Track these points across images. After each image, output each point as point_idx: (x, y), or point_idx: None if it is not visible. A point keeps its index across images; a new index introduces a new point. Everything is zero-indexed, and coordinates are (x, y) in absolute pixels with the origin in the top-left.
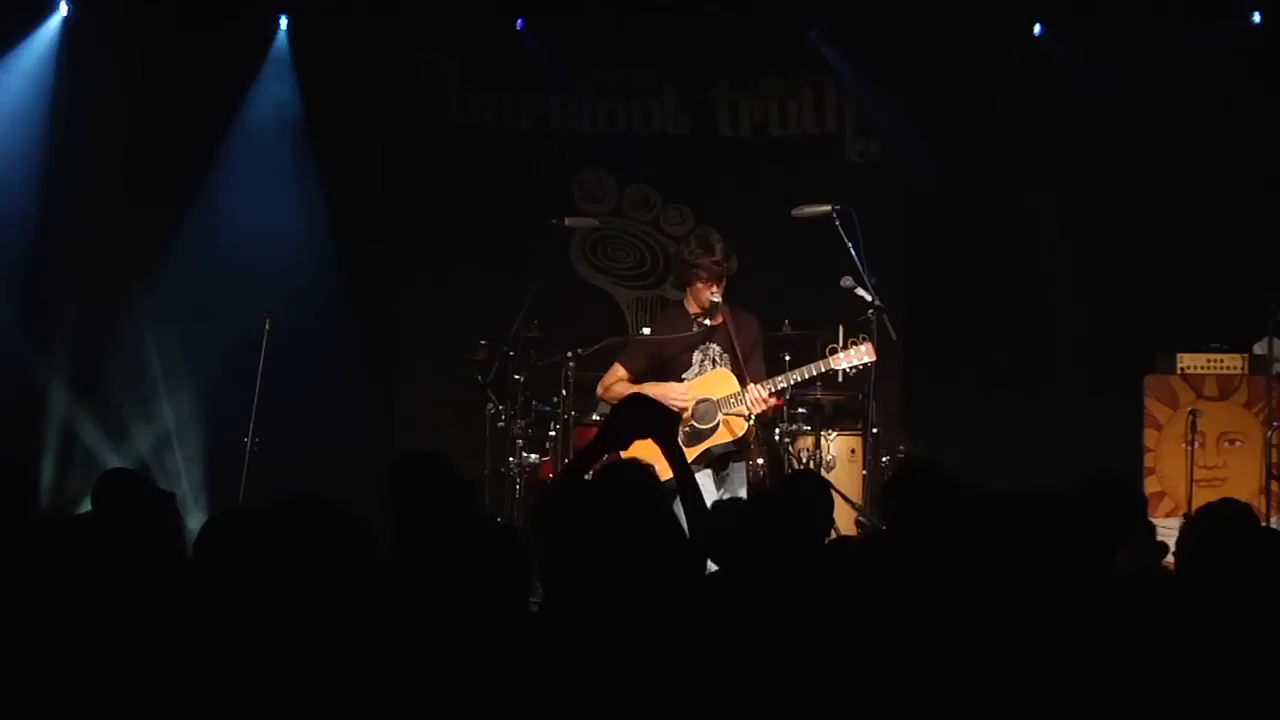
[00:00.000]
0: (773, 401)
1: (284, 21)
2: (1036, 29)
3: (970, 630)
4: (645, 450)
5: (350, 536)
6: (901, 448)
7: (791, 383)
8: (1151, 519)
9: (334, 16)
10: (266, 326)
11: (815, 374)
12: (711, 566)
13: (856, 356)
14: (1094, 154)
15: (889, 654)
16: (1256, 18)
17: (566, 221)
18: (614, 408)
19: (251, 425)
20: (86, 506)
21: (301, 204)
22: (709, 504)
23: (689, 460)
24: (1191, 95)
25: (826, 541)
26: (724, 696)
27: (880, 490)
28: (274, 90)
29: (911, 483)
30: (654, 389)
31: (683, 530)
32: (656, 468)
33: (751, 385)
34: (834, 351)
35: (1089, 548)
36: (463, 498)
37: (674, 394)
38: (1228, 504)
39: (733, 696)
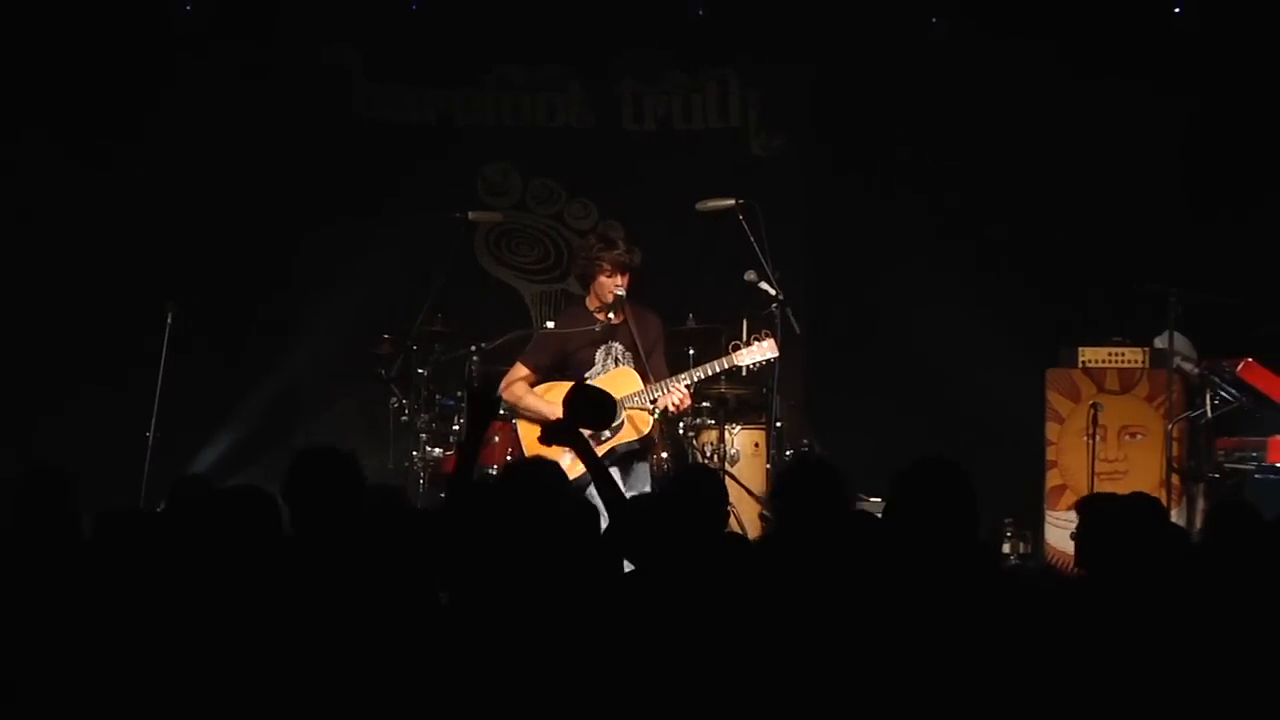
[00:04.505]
0: (688, 399)
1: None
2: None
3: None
4: (549, 448)
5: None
6: (805, 441)
7: (695, 379)
8: (1054, 511)
9: (239, 6)
10: (169, 318)
11: (718, 370)
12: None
13: (759, 352)
14: (995, 144)
15: (782, 648)
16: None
17: (470, 215)
18: (566, 396)
19: (153, 420)
20: None
21: (205, 195)
22: None
23: (594, 449)
24: (1096, 83)
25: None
26: (625, 689)
27: (770, 488)
28: None
29: (800, 479)
30: (544, 405)
31: (598, 526)
32: (563, 464)
33: (670, 381)
34: (737, 348)
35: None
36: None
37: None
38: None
39: (634, 689)
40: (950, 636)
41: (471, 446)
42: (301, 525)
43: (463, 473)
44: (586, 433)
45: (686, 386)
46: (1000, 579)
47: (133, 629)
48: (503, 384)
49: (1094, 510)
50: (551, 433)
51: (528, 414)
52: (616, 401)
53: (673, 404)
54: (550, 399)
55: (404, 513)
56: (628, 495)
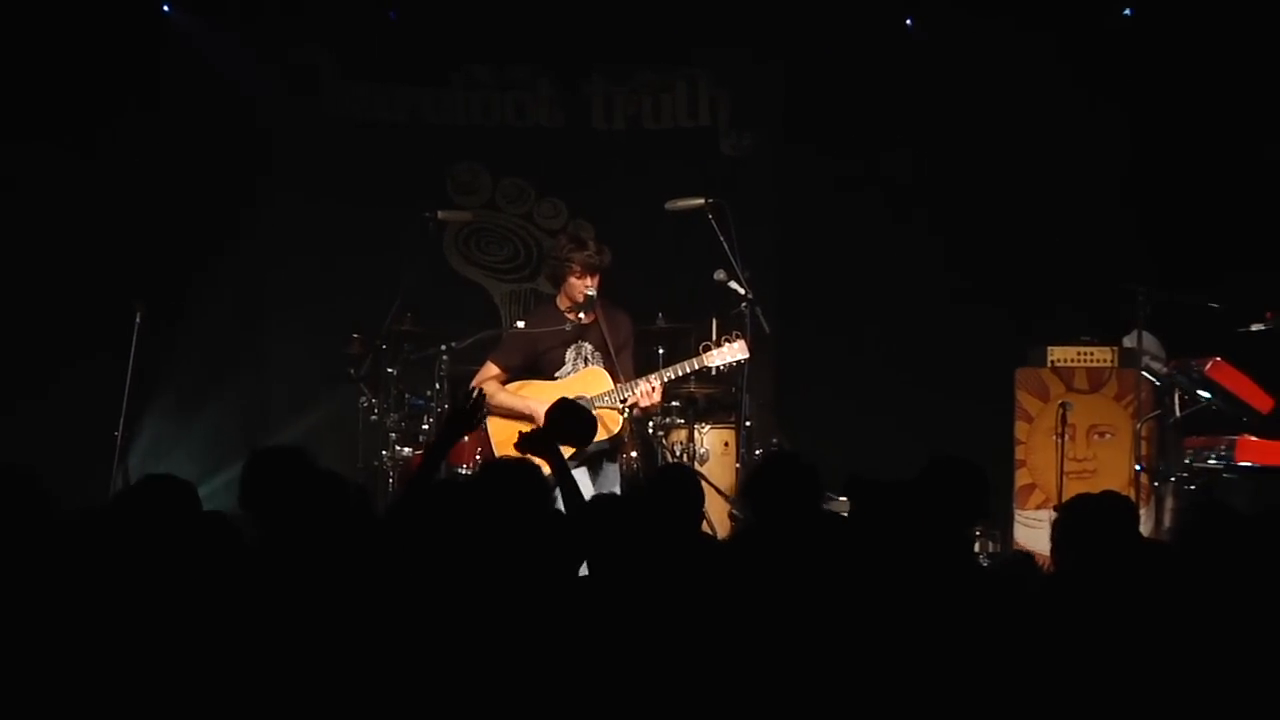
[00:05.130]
0: (660, 395)
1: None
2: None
3: (834, 620)
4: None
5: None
6: (775, 440)
7: (665, 379)
8: (1022, 510)
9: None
10: (138, 318)
11: (689, 371)
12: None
13: (730, 353)
14: (967, 143)
15: (758, 647)
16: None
17: (440, 215)
18: (550, 409)
19: (121, 419)
20: None
21: (174, 192)
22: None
23: (565, 458)
24: (1058, 87)
25: (698, 534)
26: (595, 691)
27: (741, 485)
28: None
29: (773, 476)
30: (518, 400)
31: (564, 529)
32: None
33: (640, 379)
34: (707, 348)
35: (938, 529)
36: (322, 493)
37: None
38: (1106, 497)
39: (605, 691)
40: (931, 633)
41: (439, 452)
42: (263, 526)
43: (426, 476)
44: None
45: (658, 385)
46: (978, 575)
47: (93, 627)
48: (473, 383)
49: (1073, 509)
50: (529, 442)
51: (500, 411)
52: (596, 422)
53: (644, 393)
54: (525, 395)
55: (369, 511)
56: (596, 494)
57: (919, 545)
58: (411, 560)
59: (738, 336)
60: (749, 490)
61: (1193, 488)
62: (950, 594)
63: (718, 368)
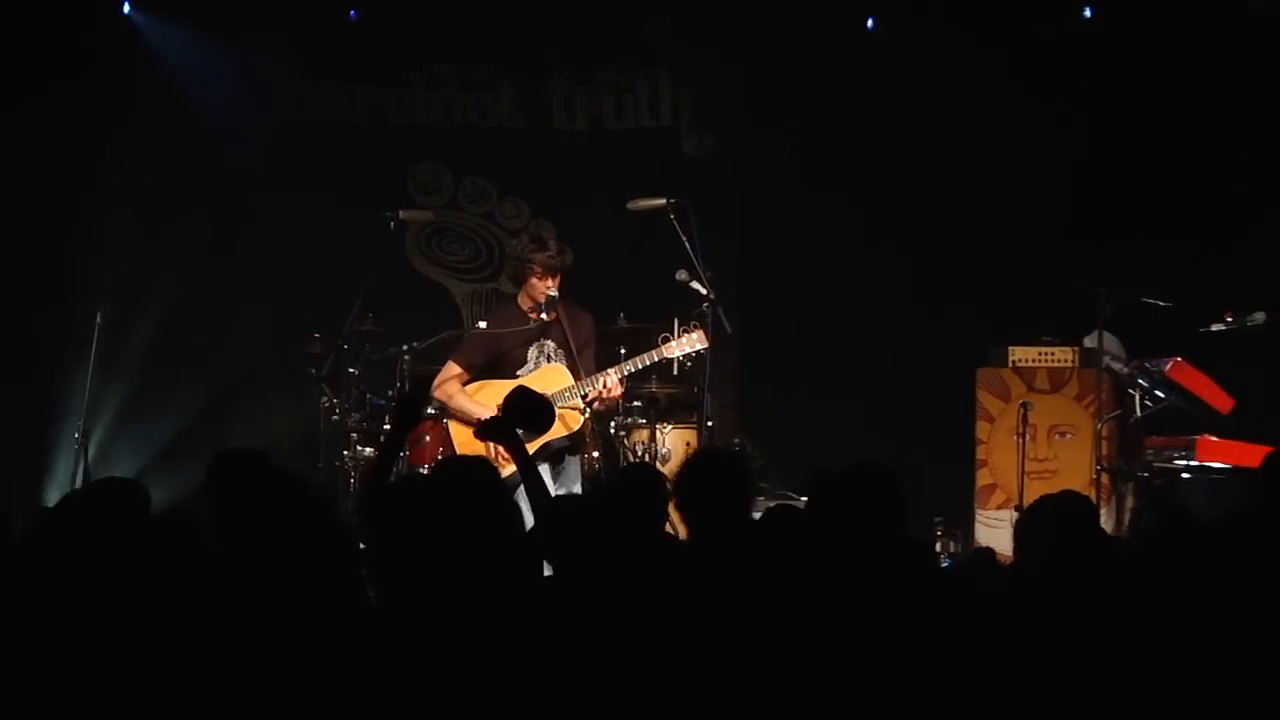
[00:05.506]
0: (620, 390)
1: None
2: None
3: (793, 619)
4: (477, 445)
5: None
6: (737, 440)
7: (626, 373)
8: (984, 510)
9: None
10: (98, 320)
11: (649, 363)
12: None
13: (689, 344)
14: (928, 143)
15: (721, 647)
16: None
17: (402, 215)
18: (506, 397)
19: (82, 420)
20: None
21: (136, 197)
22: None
23: (525, 446)
24: (1018, 86)
25: (661, 535)
26: (556, 692)
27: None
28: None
29: (700, 475)
30: (474, 406)
31: (524, 527)
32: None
33: (601, 374)
34: (666, 340)
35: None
36: (285, 495)
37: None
38: (1067, 496)
39: (564, 692)
40: (885, 633)
41: (392, 447)
42: (225, 528)
43: (382, 471)
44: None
45: (620, 380)
46: (936, 576)
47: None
48: (435, 382)
49: (1035, 509)
50: (486, 429)
51: (458, 415)
52: (554, 409)
53: (605, 386)
54: (481, 399)
55: (330, 511)
56: (557, 493)
57: (878, 543)
58: (373, 559)
59: (696, 326)
60: (677, 490)
61: (1159, 483)
62: (910, 593)
63: (678, 360)
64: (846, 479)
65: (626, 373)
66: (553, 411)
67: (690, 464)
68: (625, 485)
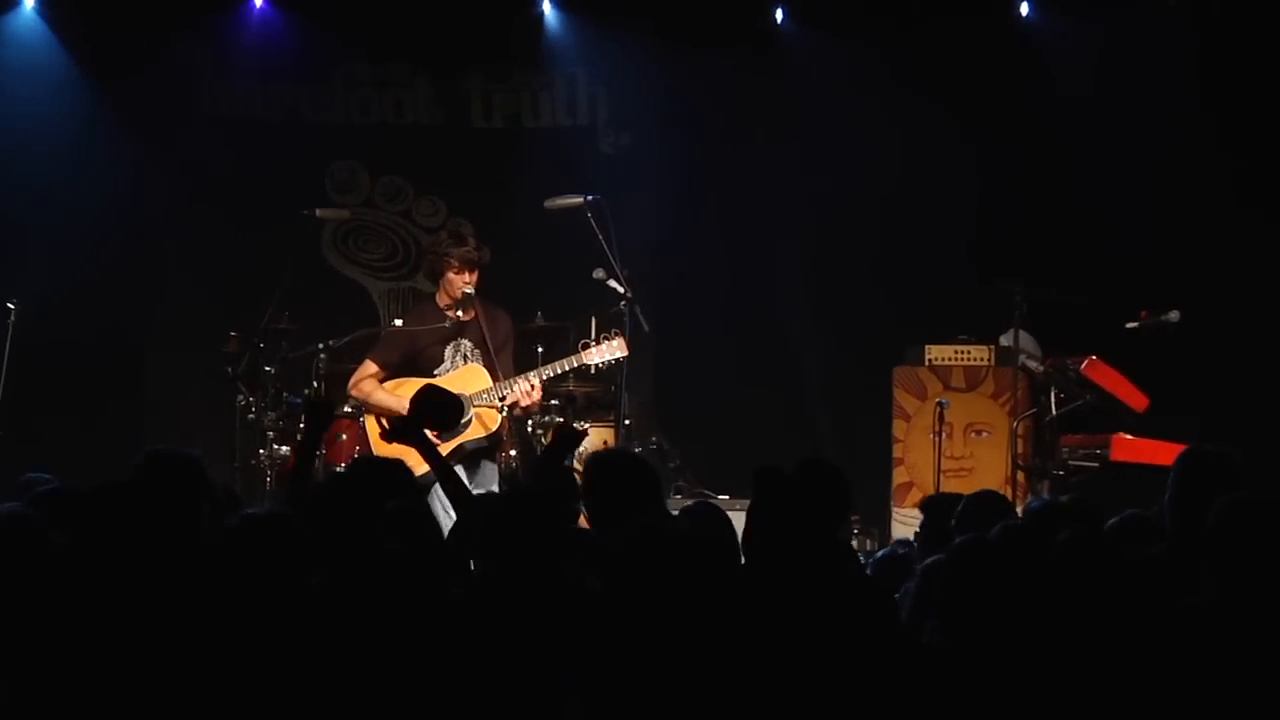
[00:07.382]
0: (539, 395)
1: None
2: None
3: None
4: (393, 447)
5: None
6: (653, 439)
7: (544, 377)
8: (900, 508)
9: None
10: (11, 315)
11: (567, 369)
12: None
13: (608, 351)
14: (843, 140)
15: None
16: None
17: (318, 213)
18: (414, 396)
19: None
20: None
21: (53, 193)
22: None
23: (434, 445)
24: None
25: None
26: (479, 688)
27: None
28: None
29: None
30: (394, 400)
31: (438, 525)
32: (408, 463)
33: (519, 378)
34: (586, 346)
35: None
36: (214, 498)
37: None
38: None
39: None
40: (810, 635)
41: (307, 452)
42: (156, 528)
43: (301, 477)
44: (431, 433)
45: (539, 384)
46: (858, 577)
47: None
48: (352, 381)
49: (937, 508)
50: (394, 431)
51: (378, 409)
52: (465, 405)
53: (523, 392)
54: (401, 394)
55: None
56: (477, 493)
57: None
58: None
59: (616, 334)
60: (584, 489)
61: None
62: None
63: (596, 365)
64: (796, 478)
65: (545, 376)
66: (462, 410)
67: (590, 468)
68: (537, 483)
